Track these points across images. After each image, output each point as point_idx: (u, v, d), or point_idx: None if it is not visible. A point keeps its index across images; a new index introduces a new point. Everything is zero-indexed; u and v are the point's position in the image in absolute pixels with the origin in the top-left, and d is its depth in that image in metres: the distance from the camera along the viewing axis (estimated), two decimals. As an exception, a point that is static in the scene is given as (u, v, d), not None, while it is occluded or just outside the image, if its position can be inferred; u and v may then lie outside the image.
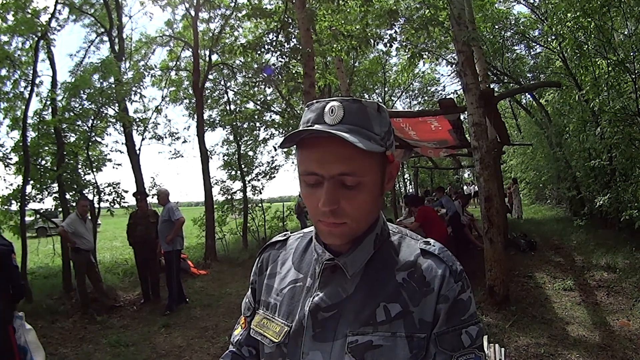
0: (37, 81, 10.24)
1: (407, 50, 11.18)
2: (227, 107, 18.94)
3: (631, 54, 10.02)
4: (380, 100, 28.63)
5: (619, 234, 11.46)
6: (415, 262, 1.17)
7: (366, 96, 29.38)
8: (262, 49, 10.55)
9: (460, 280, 1.14)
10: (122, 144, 12.78)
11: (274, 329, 1.23)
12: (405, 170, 38.84)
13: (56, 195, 10.60)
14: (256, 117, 18.96)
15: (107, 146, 12.50)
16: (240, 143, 18.19)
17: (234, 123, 17.89)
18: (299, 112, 18.37)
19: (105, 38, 14.16)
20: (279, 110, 19.96)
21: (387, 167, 1.18)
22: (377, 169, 1.13)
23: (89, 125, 11.26)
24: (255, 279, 1.41)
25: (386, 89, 30.29)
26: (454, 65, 19.45)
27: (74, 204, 9.98)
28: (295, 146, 1.14)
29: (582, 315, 6.85)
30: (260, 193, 18.51)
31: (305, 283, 1.24)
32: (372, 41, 10.80)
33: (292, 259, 1.34)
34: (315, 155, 1.08)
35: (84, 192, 10.79)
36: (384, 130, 1.13)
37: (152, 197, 11.41)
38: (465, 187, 34.49)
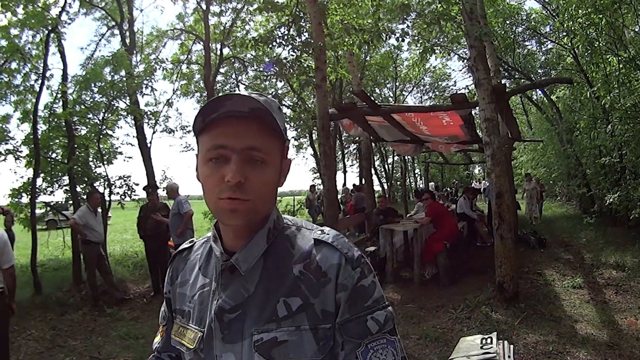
0: (47, 74, 10.25)
1: (418, 45, 11.14)
2: (239, 101, 18.85)
3: (642, 51, 10.00)
4: (392, 95, 28.70)
5: (628, 232, 11.42)
6: (310, 253, 1.16)
7: (377, 90, 29.41)
8: (274, 43, 10.54)
9: (358, 267, 1.14)
10: (133, 137, 12.87)
11: (189, 336, 1.24)
12: (416, 165, 38.89)
13: (67, 188, 10.62)
14: (267, 110, 18.85)
15: (118, 139, 12.56)
16: (251, 136, 18.01)
17: (245, 117, 17.74)
18: (310, 105, 18.36)
19: (116, 31, 14.22)
20: (290, 104, 19.97)
21: (283, 161, 1.22)
22: (278, 155, 1.18)
23: (100, 118, 11.29)
24: (169, 289, 1.40)
25: (397, 84, 30.27)
26: (465, 61, 19.40)
27: (85, 197, 9.99)
28: (201, 132, 1.15)
29: (591, 313, 6.82)
30: (271, 187, 18.49)
31: (211, 287, 1.23)
32: (384, 35, 10.77)
33: (198, 265, 1.32)
34: (225, 130, 1.10)
35: (94, 184, 10.80)
36: (283, 125, 1.19)
37: (163, 191, 11.42)
38: (475, 184, 34.30)
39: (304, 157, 24.44)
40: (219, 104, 1.08)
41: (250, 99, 1.08)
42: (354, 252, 1.16)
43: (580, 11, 10.66)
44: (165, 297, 1.42)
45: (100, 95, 11.08)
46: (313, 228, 1.25)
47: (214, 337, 1.16)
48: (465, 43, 10.14)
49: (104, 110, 11.27)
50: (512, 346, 4.68)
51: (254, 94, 1.11)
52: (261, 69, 17.79)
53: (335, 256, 1.14)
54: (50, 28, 10.10)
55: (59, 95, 10.67)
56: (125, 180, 11.54)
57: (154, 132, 14.61)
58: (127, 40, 13.54)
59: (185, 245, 1.43)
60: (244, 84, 19.22)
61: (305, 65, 11.00)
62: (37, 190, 9.98)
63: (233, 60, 17.23)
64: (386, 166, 35.57)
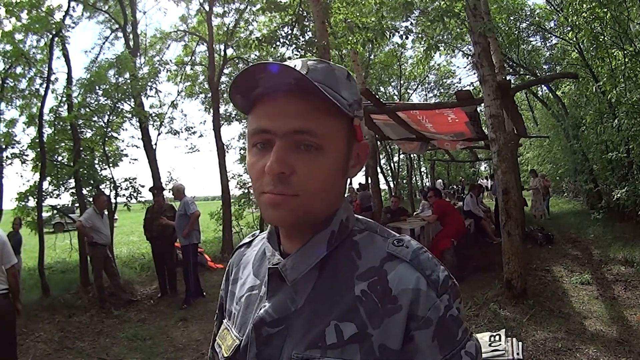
0: (52, 78, 10.29)
1: (422, 43, 11.14)
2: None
3: (648, 44, 9.95)
4: (396, 93, 28.65)
5: (637, 228, 11.35)
6: (380, 269, 0.92)
7: (382, 89, 29.36)
8: (277, 43, 10.55)
9: (445, 292, 0.88)
10: (138, 139, 12.89)
11: (227, 342, 1.05)
12: (422, 163, 38.84)
13: (73, 190, 10.66)
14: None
15: (123, 141, 12.67)
16: (256, 137, 17.99)
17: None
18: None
19: (120, 34, 14.26)
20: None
21: (354, 145, 0.98)
22: (342, 138, 0.94)
23: (105, 120, 11.33)
24: (224, 286, 1.23)
25: (402, 82, 30.17)
26: (470, 57, 19.37)
27: (91, 199, 10.01)
28: (249, 111, 0.96)
29: (600, 309, 6.78)
30: (277, 187, 18.47)
31: (260, 291, 1.03)
32: (388, 33, 10.75)
33: (252, 262, 1.14)
34: (268, 109, 0.91)
35: (100, 187, 10.82)
36: (353, 98, 0.96)
37: (169, 192, 11.45)
38: (482, 181, 34.18)
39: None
40: (257, 75, 0.88)
41: (292, 70, 0.85)
42: (439, 273, 0.90)
43: (584, 5, 10.62)
44: (220, 295, 1.25)
45: (105, 98, 11.13)
46: (389, 236, 0.99)
47: (248, 350, 0.96)
48: (469, 40, 10.10)
49: (108, 113, 11.30)
50: (520, 343, 4.67)
51: (310, 61, 0.94)
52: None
53: (412, 277, 0.88)
54: (54, 32, 10.12)
55: (64, 99, 10.68)
56: (131, 182, 11.60)
57: (159, 134, 14.64)
58: (131, 43, 13.56)
59: (246, 239, 1.27)
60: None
61: (309, 64, 11.01)
62: (43, 193, 10.05)
63: (237, 61, 17.17)
64: (392, 165, 35.54)
